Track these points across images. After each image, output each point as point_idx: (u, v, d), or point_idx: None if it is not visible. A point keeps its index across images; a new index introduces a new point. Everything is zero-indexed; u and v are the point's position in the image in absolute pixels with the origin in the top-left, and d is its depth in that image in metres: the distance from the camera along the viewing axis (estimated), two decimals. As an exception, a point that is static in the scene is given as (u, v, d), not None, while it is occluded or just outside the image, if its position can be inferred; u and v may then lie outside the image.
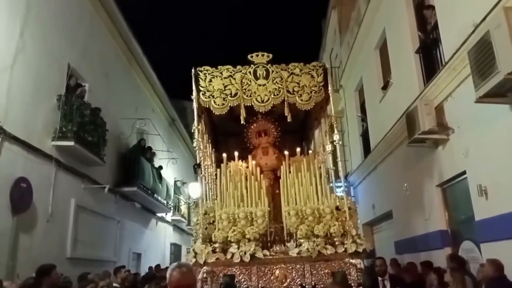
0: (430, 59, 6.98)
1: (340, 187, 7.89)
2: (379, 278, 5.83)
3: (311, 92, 5.55)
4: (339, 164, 5.62)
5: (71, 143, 7.37)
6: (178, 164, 16.58)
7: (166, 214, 14.88)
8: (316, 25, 19.28)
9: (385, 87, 9.21)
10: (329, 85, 5.63)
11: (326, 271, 4.85)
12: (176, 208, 15.78)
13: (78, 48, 8.54)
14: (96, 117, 8.37)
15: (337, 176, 6.57)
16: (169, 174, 15.14)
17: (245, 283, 4.86)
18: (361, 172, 11.09)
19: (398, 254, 8.16)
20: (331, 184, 5.97)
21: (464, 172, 5.76)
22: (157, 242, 14.45)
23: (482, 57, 4.30)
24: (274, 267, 4.90)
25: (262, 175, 5.71)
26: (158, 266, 11.41)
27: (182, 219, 16.69)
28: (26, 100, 6.60)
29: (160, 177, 12.81)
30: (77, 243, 8.05)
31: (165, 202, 13.36)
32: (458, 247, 6.27)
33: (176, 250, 17.17)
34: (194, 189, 17.13)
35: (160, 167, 13.17)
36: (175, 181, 16.05)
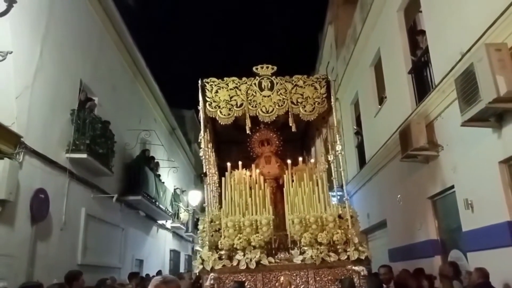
0: (421, 80, 7.50)
1: (336, 196, 8.26)
2: (384, 286, 5.99)
3: (314, 103, 5.70)
4: (342, 173, 5.79)
5: (84, 156, 7.78)
6: (178, 172, 16.98)
7: (166, 221, 15.24)
8: (313, 37, 19.91)
9: (380, 103, 9.73)
10: (332, 96, 5.79)
11: (330, 277, 4.96)
12: (176, 216, 16.14)
13: (89, 64, 8.98)
14: (106, 130, 8.78)
15: (331, 186, 6.78)
16: (169, 182, 15.53)
17: None
18: (357, 182, 11.56)
19: (391, 262, 8.60)
20: (331, 193, 6.27)
21: (452, 187, 6.26)
22: (158, 248, 14.80)
23: (467, 85, 4.81)
24: (279, 274, 4.99)
25: (265, 184, 5.82)
26: (159, 272, 11.78)
27: (182, 226, 17.05)
28: (44, 116, 7.01)
29: (162, 185, 13.21)
30: (86, 250, 8.42)
31: (166, 210, 13.73)
32: (447, 256, 6.75)
33: (175, 256, 17.51)
34: (194, 197, 17.60)
35: (159, 175, 13.57)
36: (175, 189, 16.44)
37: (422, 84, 7.47)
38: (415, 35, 7.71)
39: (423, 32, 7.30)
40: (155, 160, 12.81)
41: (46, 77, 7.09)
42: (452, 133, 6.11)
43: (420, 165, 7.21)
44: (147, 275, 10.64)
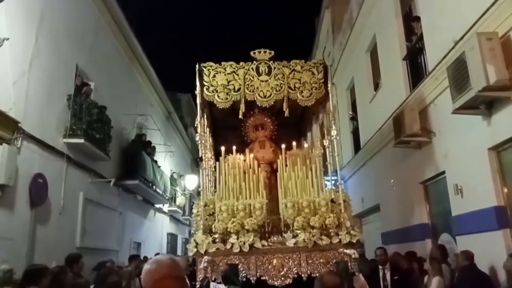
0: (416, 67, 7.56)
1: (331, 181, 8.37)
2: (380, 267, 6.15)
3: (311, 88, 5.72)
4: (337, 158, 5.82)
5: (81, 141, 7.85)
6: (175, 157, 17.08)
7: (163, 205, 15.42)
8: (310, 21, 19.78)
9: (375, 88, 9.81)
10: (329, 82, 5.79)
11: (321, 260, 5.05)
12: (173, 199, 16.31)
13: (85, 49, 8.96)
14: (102, 115, 8.84)
15: (326, 171, 6.70)
16: (166, 166, 15.64)
17: (244, 272, 5.03)
18: (351, 167, 11.71)
19: (384, 245, 8.80)
20: (325, 178, 6.32)
21: (443, 172, 6.40)
22: (155, 232, 15.01)
23: (459, 74, 4.90)
24: (272, 257, 5.09)
25: (259, 168, 5.84)
26: (157, 255, 11.99)
27: (178, 210, 17.25)
28: (40, 101, 7.05)
29: (159, 169, 13.33)
30: (85, 233, 8.56)
31: (163, 193, 13.88)
32: (438, 239, 6.95)
33: (172, 239, 17.76)
34: (191, 181, 17.76)
35: (156, 161, 13.69)
36: (172, 173, 16.56)
37: (416, 71, 7.54)
38: (410, 22, 7.73)
39: (418, 19, 7.33)
40: (152, 145, 12.88)
41: (42, 63, 7.10)
42: (444, 120, 6.21)
43: (413, 150, 7.34)
44: (145, 257, 10.83)
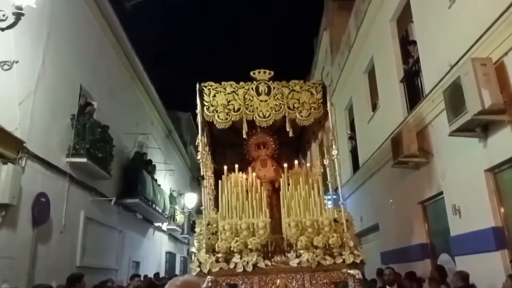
0: (413, 89, 7.74)
1: (332, 199, 8.42)
2: (387, 287, 6.11)
3: (310, 108, 5.74)
4: (338, 177, 5.79)
5: (84, 160, 7.95)
6: (174, 175, 17.14)
7: (162, 223, 15.40)
8: (309, 42, 20.16)
9: (373, 109, 9.98)
10: (327, 102, 5.88)
11: (325, 281, 4.98)
12: (172, 218, 16.30)
13: (88, 68, 9.15)
14: (105, 134, 8.95)
15: (326, 190, 6.95)
16: (166, 184, 15.69)
17: None
18: (350, 186, 11.79)
19: (383, 264, 8.84)
20: (325, 197, 6.39)
21: (441, 193, 6.50)
22: (154, 250, 14.95)
23: (455, 97, 5.05)
24: (275, 277, 5.00)
25: (262, 187, 5.80)
26: (157, 274, 11.94)
27: (177, 229, 17.21)
28: (45, 121, 7.17)
29: (159, 188, 13.38)
30: (85, 252, 8.57)
31: (162, 212, 13.89)
32: (437, 259, 6.99)
33: (171, 258, 17.66)
34: (190, 199, 17.78)
35: (156, 180, 13.75)
36: (171, 192, 16.60)
37: (413, 93, 7.72)
38: (407, 45, 7.95)
39: (414, 42, 7.55)
40: (152, 163, 12.98)
41: (48, 83, 7.25)
42: (441, 141, 6.34)
43: (411, 171, 7.44)
44: (146, 276, 10.81)
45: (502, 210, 5.16)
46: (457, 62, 5.53)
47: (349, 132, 12.26)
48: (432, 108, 6.51)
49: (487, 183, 5.27)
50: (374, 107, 9.91)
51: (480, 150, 5.29)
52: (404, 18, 8.17)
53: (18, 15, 4.77)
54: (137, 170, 11.35)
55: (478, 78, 4.60)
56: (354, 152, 11.84)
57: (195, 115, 6.13)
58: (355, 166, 11.61)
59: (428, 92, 6.54)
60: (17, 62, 5.51)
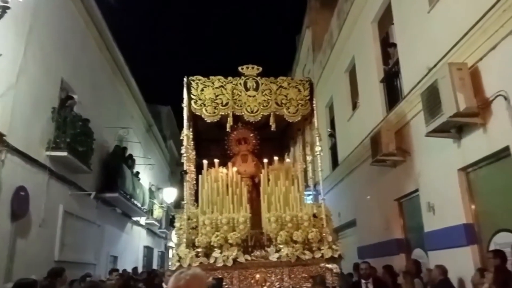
0: (392, 89, 7.99)
1: (313, 194, 8.59)
2: (363, 281, 6.14)
3: (298, 105, 5.83)
4: (320, 174, 5.90)
5: (65, 154, 7.84)
6: (153, 169, 17.05)
7: (140, 218, 15.32)
8: (291, 38, 20.31)
9: (353, 107, 10.21)
10: (314, 99, 5.95)
11: (304, 275, 5.10)
12: (151, 212, 16.23)
13: (70, 62, 9.00)
14: (86, 128, 8.84)
15: (306, 186, 6.79)
16: (145, 179, 15.59)
17: (226, 286, 5.01)
18: (329, 182, 11.99)
19: (360, 259, 9.09)
20: (305, 192, 6.36)
21: (417, 190, 6.77)
22: (132, 245, 14.86)
23: (432, 100, 5.27)
24: (255, 271, 5.08)
25: (242, 182, 5.87)
26: (135, 269, 11.92)
27: (156, 223, 17.15)
28: (25, 114, 7.03)
29: (138, 182, 13.30)
30: (64, 247, 8.47)
31: (141, 206, 13.82)
32: (411, 254, 7.28)
33: (149, 253, 17.59)
34: (169, 194, 17.73)
35: (138, 173, 13.67)
36: (150, 186, 16.51)
37: (392, 93, 7.96)
38: (388, 47, 8.18)
39: (394, 45, 7.77)
40: (133, 158, 12.89)
41: (29, 76, 7.11)
42: (418, 141, 6.59)
43: (389, 169, 7.70)
44: (124, 270, 10.77)
45: (473, 207, 5.44)
46: (434, 66, 5.76)
47: (329, 130, 12.49)
48: (410, 108, 6.75)
49: (460, 182, 5.55)
50: (354, 106, 10.15)
51: (454, 150, 5.55)
52: (385, 20, 8.40)
53: (4, 8, 4.73)
54: (117, 165, 11.25)
55: (454, 82, 4.83)
56: (333, 149, 12.08)
57: (175, 109, 6.12)
58: (335, 162, 11.85)
59: (407, 93, 6.78)
60: (0, 54, 5.41)
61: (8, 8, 4.81)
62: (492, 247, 5.01)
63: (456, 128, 5.29)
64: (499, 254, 4.40)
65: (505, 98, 4.47)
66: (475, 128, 5.04)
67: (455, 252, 5.57)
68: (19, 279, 4.79)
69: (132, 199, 12.43)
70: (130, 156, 12.67)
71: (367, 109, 9.02)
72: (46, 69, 7.83)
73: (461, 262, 5.42)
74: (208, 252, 5.16)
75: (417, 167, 6.69)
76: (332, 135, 12.29)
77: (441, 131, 5.39)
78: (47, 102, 7.86)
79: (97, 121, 10.05)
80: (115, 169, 11.09)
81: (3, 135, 6.17)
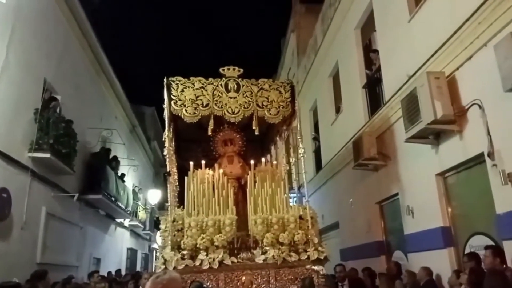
0: (374, 95, 8.17)
1: (297, 196, 8.70)
2: (339, 284, 6.33)
3: (279, 107, 5.88)
4: (304, 176, 5.96)
5: (48, 155, 7.77)
6: (137, 170, 16.94)
7: (124, 219, 15.22)
8: (276, 41, 20.43)
9: (336, 111, 10.39)
10: (295, 101, 6.02)
11: (290, 277, 5.12)
12: (134, 214, 16.13)
13: (53, 62, 8.92)
14: (69, 129, 8.78)
15: (290, 188, 6.97)
16: (129, 180, 15.49)
17: None
18: (313, 185, 12.13)
19: (343, 261, 9.25)
20: (289, 195, 6.31)
21: (397, 194, 6.95)
22: (115, 247, 14.75)
23: (411, 107, 5.45)
24: (241, 274, 5.09)
25: (228, 184, 5.84)
26: (119, 271, 11.84)
27: (139, 225, 17.05)
28: (8, 115, 6.97)
29: (122, 184, 13.22)
30: (46, 249, 8.38)
31: (125, 208, 13.74)
32: (392, 256, 7.46)
33: (132, 254, 17.46)
34: (153, 196, 17.64)
35: (123, 175, 13.59)
36: (134, 188, 16.41)
37: (374, 99, 8.15)
38: (370, 53, 8.36)
39: (377, 51, 7.96)
40: (117, 159, 12.81)
41: (11, 77, 7.05)
42: (398, 146, 6.78)
43: (370, 173, 7.87)
44: (109, 272, 10.72)
45: (450, 211, 5.64)
46: (414, 73, 5.95)
47: (313, 133, 12.65)
48: (391, 114, 6.93)
49: (437, 186, 5.74)
50: (338, 110, 10.32)
51: (432, 156, 5.74)
52: (368, 27, 8.59)
53: (-13, 9, 4.67)
54: (101, 166, 11.16)
55: (432, 90, 5.01)
56: (317, 153, 12.24)
57: (159, 110, 6.05)
58: (318, 166, 12.01)
59: (388, 99, 6.97)
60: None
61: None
62: (467, 249, 5.21)
63: (434, 135, 5.48)
64: (474, 257, 4.59)
65: (480, 107, 4.66)
66: (452, 135, 5.23)
67: (433, 254, 5.76)
68: (2, 282, 4.76)
69: (116, 201, 12.36)
70: (115, 157, 12.59)
71: (350, 114, 9.20)
72: (29, 69, 7.75)
73: (438, 263, 5.60)
74: (194, 255, 5.14)
75: (398, 172, 6.87)
76: (316, 138, 12.45)
77: (420, 137, 5.57)
78: (30, 103, 7.78)
79: (81, 122, 9.98)
80: (98, 170, 11.01)
81: (-15, 136, 6.11)
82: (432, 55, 5.50)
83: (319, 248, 5.31)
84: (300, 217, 5.45)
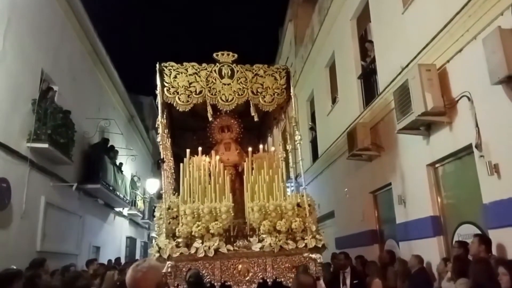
0: (369, 86, 8.24)
1: (295, 185, 8.76)
2: (340, 271, 6.18)
3: (274, 94, 5.65)
4: (301, 163, 5.79)
5: (46, 145, 7.87)
6: (136, 160, 17.06)
7: (123, 208, 15.38)
8: (275, 30, 20.40)
9: (333, 102, 10.46)
10: (291, 88, 5.80)
11: (287, 265, 5.02)
12: (133, 203, 16.29)
13: (50, 53, 8.96)
14: (66, 120, 8.86)
15: (287, 176, 6.61)
16: (127, 169, 15.62)
17: (208, 277, 4.87)
18: (310, 174, 12.27)
19: (338, 249, 9.42)
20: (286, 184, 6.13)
21: (390, 184, 7.07)
22: (114, 235, 14.95)
23: (403, 99, 5.54)
24: (237, 262, 4.98)
25: (225, 171, 5.71)
26: (118, 259, 12.03)
27: (138, 214, 17.24)
28: (6, 106, 7.05)
29: (120, 173, 13.35)
30: (45, 237, 8.54)
31: (124, 197, 13.89)
32: (384, 244, 7.62)
33: (131, 243, 17.68)
34: (152, 185, 17.79)
35: (121, 164, 13.71)
36: (132, 177, 16.54)
37: (369, 90, 8.22)
38: (365, 44, 8.41)
39: (372, 42, 8.01)
40: (115, 148, 12.92)
41: (8, 68, 7.12)
42: (391, 137, 6.88)
43: (365, 163, 7.99)
44: (109, 260, 10.90)
45: (440, 201, 5.77)
46: (407, 65, 6.02)
47: (310, 123, 12.74)
48: (384, 105, 7.02)
49: (428, 176, 5.86)
50: (334, 100, 10.39)
51: (424, 147, 5.85)
52: (363, 18, 8.61)
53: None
54: (99, 156, 11.28)
55: (423, 82, 5.09)
56: (314, 143, 12.35)
57: (157, 98, 5.71)
58: (315, 156, 12.13)
59: (382, 90, 7.05)
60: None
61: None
62: (456, 238, 5.35)
63: (425, 126, 5.58)
64: (463, 245, 4.72)
65: (469, 99, 4.75)
66: (442, 126, 5.33)
67: (423, 242, 5.90)
68: (4, 269, 4.89)
69: (115, 190, 12.50)
70: (112, 147, 12.69)
71: (345, 105, 9.28)
72: (26, 60, 7.81)
73: (428, 251, 5.73)
74: (189, 243, 5.02)
75: (391, 162, 6.98)
76: (313, 128, 12.54)
77: (411, 128, 5.67)
78: (27, 93, 7.85)
79: (78, 112, 10.05)
80: (96, 160, 11.13)
81: (-16, 127, 6.20)
82: (424, 47, 5.57)
83: (317, 236, 5.20)
84: (298, 205, 5.33)
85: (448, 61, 5.21)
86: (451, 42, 5.05)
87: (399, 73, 6.23)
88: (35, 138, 7.80)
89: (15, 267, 6.25)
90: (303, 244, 5.09)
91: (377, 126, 7.46)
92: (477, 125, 4.60)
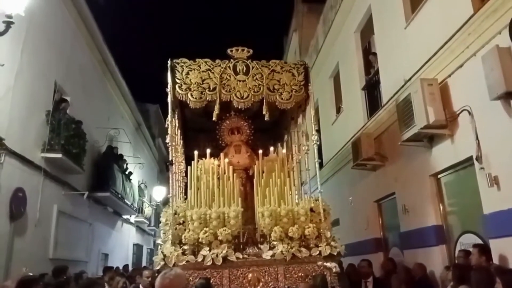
0: (373, 97, 8.44)
1: (310, 188, 8.77)
2: (362, 280, 6.02)
3: (291, 91, 5.38)
4: (316, 165, 5.64)
5: (59, 155, 8.13)
6: (143, 168, 17.31)
7: (130, 216, 15.61)
8: (279, 39, 20.64)
9: (337, 111, 10.67)
10: (309, 84, 5.54)
11: (300, 274, 4.73)
12: (140, 210, 16.51)
13: (63, 64, 9.26)
14: (78, 130, 9.13)
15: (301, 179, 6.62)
16: (134, 177, 15.86)
17: (216, 287, 4.62)
18: (314, 182, 12.45)
19: (342, 257, 9.55)
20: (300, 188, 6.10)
21: (394, 193, 7.25)
22: (122, 242, 15.16)
23: (406, 111, 5.74)
24: (247, 270, 4.72)
25: (234, 174, 5.48)
26: (126, 266, 12.22)
27: (145, 221, 17.46)
28: (22, 117, 7.31)
29: (128, 181, 13.59)
30: (57, 245, 8.77)
31: (131, 205, 14.12)
32: (389, 252, 7.78)
33: (138, 250, 17.90)
34: (158, 192, 18.03)
35: (130, 173, 13.95)
36: (139, 184, 16.78)
37: (373, 101, 8.42)
38: (369, 56, 8.62)
39: (375, 54, 8.22)
40: (123, 157, 13.18)
41: (24, 80, 7.39)
42: (395, 147, 7.04)
43: (369, 172, 8.17)
44: (117, 268, 11.07)
45: (442, 210, 5.94)
46: (410, 78, 6.22)
47: (314, 133, 12.87)
48: (388, 117, 7.20)
49: (430, 186, 6.04)
50: (338, 110, 10.59)
51: (426, 158, 6.04)
52: (367, 30, 8.83)
53: (8, 24, 4.98)
54: (108, 165, 11.53)
55: (425, 96, 5.30)
56: (319, 151, 12.46)
57: (163, 107, 5.71)
58: (320, 164, 12.26)
59: (386, 102, 7.24)
60: (2, 65, 5.68)
61: (12, 23, 5.05)
62: (458, 247, 5.52)
63: (428, 138, 5.78)
64: (467, 254, 4.87)
65: (469, 113, 4.94)
66: (444, 138, 5.52)
67: (426, 251, 6.08)
68: (23, 276, 5.09)
69: (123, 198, 12.74)
70: (121, 156, 12.95)
71: (349, 115, 9.48)
72: (41, 72, 8.10)
73: (431, 260, 5.92)
74: (195, 250, 4.76)
75: (394, 172, 7.16)
76: (318, 134, 12.70)
77: (414, 140, 5.87)
78: (42, 105, 8.14)
79: (89, 122, 10.32)
80: (106, 169, 11.39)
81: (2, 138, 6.45)
82: (426, 62, 5.77)
83: (332, 243, 4.89)
84: (311, 210, 5.04)
85: (449, 76, 5.41)
86: (452, 58, 5.25)
87: (402, 86, 6.43)
88: (49, 148, 8.06)
89: (24, 269, 6.51)
90: (317, 252, 4.81)
91: (381, 136, 7.65)
92: (477, 138, 4.79)
